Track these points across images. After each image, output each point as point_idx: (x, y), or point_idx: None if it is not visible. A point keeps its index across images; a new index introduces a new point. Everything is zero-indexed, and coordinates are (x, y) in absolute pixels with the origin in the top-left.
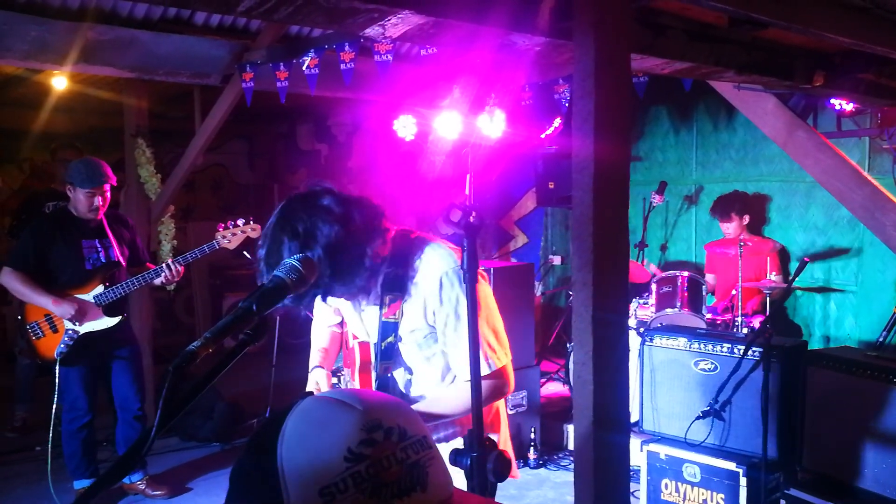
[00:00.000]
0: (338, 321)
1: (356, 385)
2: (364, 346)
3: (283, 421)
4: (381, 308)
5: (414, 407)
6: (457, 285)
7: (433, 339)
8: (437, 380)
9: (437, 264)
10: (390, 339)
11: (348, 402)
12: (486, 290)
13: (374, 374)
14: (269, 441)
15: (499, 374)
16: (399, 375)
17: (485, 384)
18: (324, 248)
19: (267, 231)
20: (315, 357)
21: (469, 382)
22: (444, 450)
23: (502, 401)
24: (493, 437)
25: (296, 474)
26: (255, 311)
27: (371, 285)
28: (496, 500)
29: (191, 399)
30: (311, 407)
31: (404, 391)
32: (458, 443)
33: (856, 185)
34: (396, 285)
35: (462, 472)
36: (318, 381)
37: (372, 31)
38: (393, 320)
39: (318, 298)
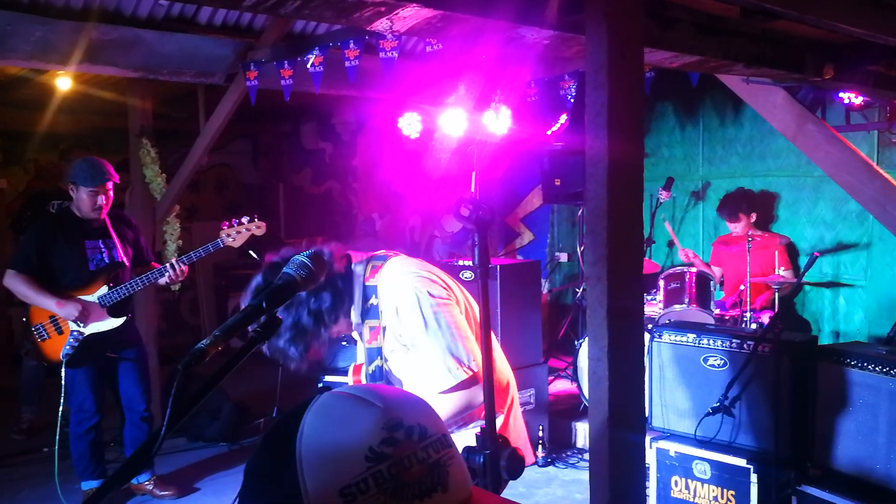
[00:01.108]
0: None
1: None
2: (357, 368)
3: (301, 417)
4: (361, 337)
5: None
6: (412, 310)
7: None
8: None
9: (392, 295)
10: (377, 362)
11: (368, 399)
12: (451, 305)
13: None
14: (287, 438)
15: (461, 386)
16: None
17: (449, 398)
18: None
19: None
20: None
21: (439, 395)
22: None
23: (515, 401)
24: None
25: (315, 473)
26: (265, 309)
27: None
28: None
29: (200, 397)
30: (331, 403)
31: None
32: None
33: (867, 177)
34: (371, 313)
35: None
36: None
37: (379, 26)
38: (376, 345)
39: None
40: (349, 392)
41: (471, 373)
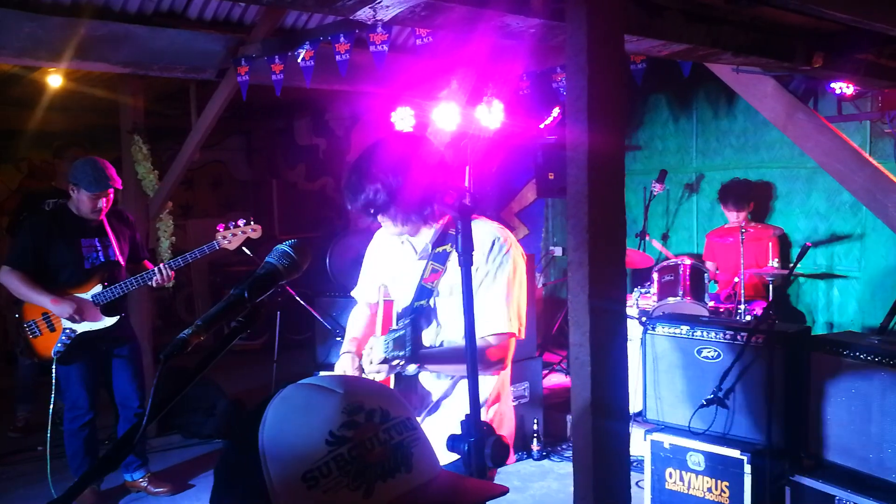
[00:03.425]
0: (376, 300)
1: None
2: (389, 305)
3: (264, 410)
4: (424, 270)
5: (439, 351)
6: (503, 253)
7: None
8: None
9: (491, 230)
10: (423, 302)
11: (328, 387)
12: (522, 265)
13: (394, 323)
14: (251, 431)
15: (503, 340)
16: (429, 331)
17: (485, 346)
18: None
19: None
20: (346, 345)
21: (485, 339)
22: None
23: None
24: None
25: (278, 461)
26: (247, 298)
27: (420, 225)
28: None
29: (184, 387)
30: (292, 394)
31: (427, 344)
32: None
33: (857, 166)
34: (439, 258)
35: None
36: (344, 366)
37: (362, 14)
38: (430, 287)
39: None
40: (310, 382)
41: (514, 330)
